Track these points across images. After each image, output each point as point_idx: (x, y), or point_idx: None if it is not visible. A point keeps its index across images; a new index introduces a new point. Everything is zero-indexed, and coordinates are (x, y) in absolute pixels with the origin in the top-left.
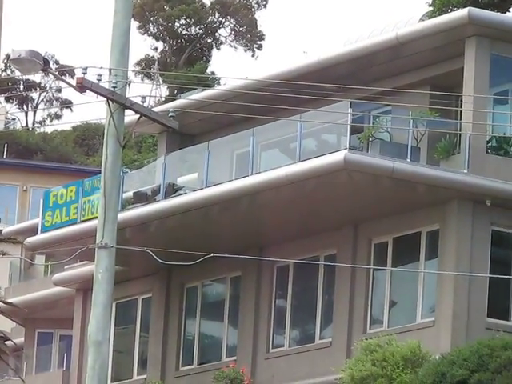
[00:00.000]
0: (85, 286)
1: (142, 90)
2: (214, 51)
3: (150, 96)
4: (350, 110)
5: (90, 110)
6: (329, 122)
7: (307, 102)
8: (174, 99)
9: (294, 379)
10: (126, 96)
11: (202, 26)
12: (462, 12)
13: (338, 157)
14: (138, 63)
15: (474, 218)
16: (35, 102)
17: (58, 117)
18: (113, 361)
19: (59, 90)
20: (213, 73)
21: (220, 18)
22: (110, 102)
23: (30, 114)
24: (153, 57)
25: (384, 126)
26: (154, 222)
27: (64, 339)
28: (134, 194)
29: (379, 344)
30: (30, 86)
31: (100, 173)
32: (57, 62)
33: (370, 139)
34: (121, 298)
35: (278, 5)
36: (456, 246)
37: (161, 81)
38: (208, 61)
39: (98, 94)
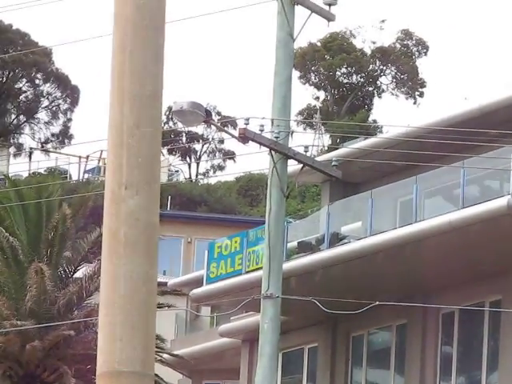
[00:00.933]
0: (251, 337)
1: (304, 140)
2: (376, 99)
3: (313, 145)
4: None
5: (253, 160)
6: (491, 168)
7: (469, 149)
8: (337, 148)
9: None
10: (289, 146)
11: (363, 74)
12: None
13: (501, 202)
14: (300, 113)
15: None
16: (198, 153)
17: (221, 168)
18: None
19: (222, 141)
20: (375, 121)
21: (381, 66)
22: (273, 152)
23: (193, 165)
24: (314, 106)
25: None
26: (318, 272)
27: None
28: (298, 243)
29: None
30: (193, 137)
31: (264, 223)
32: (218, 114)
33: None
34: (286, 347)
35: (439, 51)
36: None
37: (323, 130)
38: (370, 109)
39: (260, 144)
